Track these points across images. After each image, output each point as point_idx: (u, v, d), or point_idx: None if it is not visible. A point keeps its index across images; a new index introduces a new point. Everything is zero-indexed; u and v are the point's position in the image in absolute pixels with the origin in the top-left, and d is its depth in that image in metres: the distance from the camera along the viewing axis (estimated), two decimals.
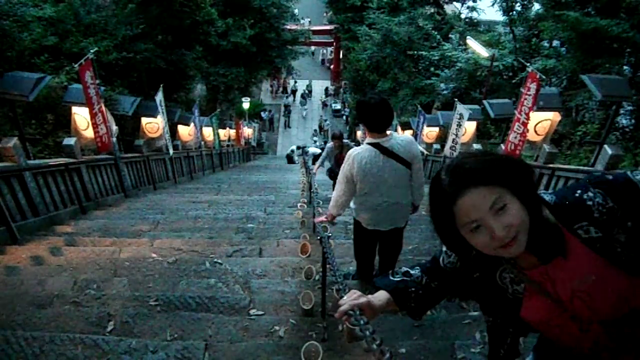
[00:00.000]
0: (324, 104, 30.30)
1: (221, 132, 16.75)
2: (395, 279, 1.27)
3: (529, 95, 6.33)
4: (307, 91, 30.52)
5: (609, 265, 0.96)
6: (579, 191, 0.99)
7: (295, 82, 30.01)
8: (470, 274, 1.14)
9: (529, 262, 1.04)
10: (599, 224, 0.96)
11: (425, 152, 11.38)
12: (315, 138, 25.07)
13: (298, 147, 22.85)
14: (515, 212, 0.92)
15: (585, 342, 1.05)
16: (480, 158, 0.97)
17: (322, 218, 3.20)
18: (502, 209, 0.92)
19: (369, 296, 1.20)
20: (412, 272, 1.28)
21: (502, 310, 1.13)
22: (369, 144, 2.91)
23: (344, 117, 28.40)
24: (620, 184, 0.97)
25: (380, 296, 1.24)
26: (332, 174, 6.81)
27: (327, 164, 7.17)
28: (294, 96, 30.75)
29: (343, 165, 3.00)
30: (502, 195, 0.92)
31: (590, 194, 0.97)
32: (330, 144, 6.84)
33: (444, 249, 1.22)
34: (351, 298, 1.16)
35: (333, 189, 3.41)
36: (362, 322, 1.07)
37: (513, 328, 1.14)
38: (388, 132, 2.93)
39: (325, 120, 27.02)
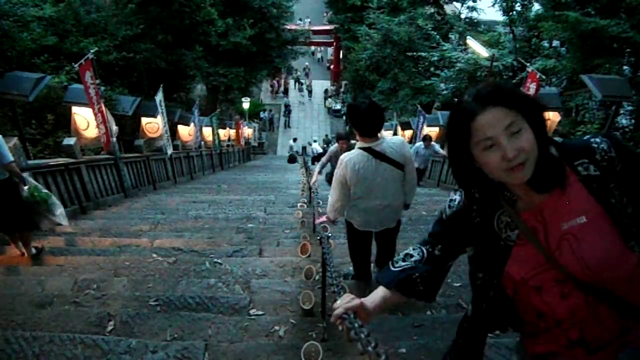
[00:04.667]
0: (329, 110, 29.26)
1: (221, 132, 16.76)
2: (397, 270, 1.25)
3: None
4: (303, 75, 30.16)
5: (601, 211, 1.02)
6: (587, 137, 1.09)
7: (297, 70, 29.51)
8: (472, 219, 1.17)
9: (528, 199, 1.08)
10: (598, 165, 1.04)
11: (442, 151, 11.21)
12: (314, 137, 24.88)
13: (295, 140, 22.76)
14: (528, 138, 0.98)
15: (562, 312, 1.06)
16: (503, 85, 1.04)
17: (324, 218, 3.21)
18: (517, 133, 0.98)
19: (363, 299, 1.20)
20: (412, 252, 1.27)
21: (490, 260, 1.16)
22: (360, 148, 2.89)
23: (344, 117, 28.22)
24: (630, 149, 1.07)
25: (374, 297, 1.23)
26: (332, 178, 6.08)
27: (329, 167, 6.41)
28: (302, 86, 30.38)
29: (336, 171, 2.99)
30: (518, 120, 0.98)
31: (598, 140, 1.07)
32: (334, 147, 6.09)
33: (446, 206, 1.25)
34: (344, 301, 1.16)
35: None
36: (356, 324, 1.08)
37: (497, 280, 1.16)
38: (379, 135, 2.91)
39: (332, 138, 25.92)
